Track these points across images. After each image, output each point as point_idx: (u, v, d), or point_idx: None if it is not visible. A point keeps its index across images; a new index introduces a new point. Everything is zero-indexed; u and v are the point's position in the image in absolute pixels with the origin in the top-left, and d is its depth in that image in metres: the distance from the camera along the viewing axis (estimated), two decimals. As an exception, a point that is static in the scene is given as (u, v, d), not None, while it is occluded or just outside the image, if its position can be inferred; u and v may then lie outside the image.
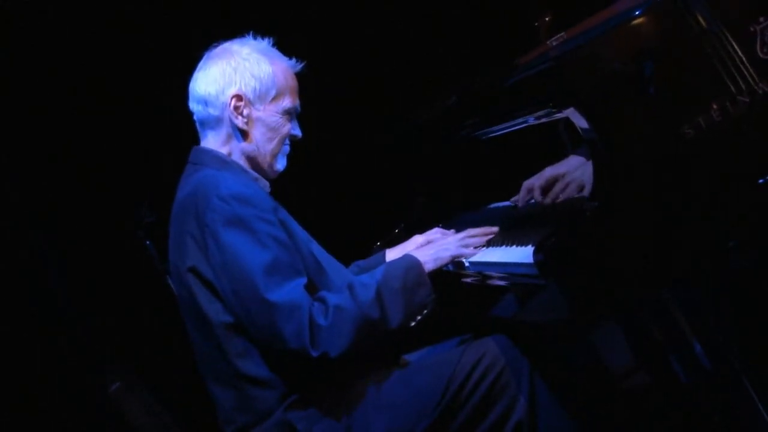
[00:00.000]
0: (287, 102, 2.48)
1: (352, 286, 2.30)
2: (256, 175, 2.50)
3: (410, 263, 2.42)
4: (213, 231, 2.27)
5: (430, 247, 2.57)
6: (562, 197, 2.59)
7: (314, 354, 2.20)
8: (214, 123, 2.47)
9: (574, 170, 2.74)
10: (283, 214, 2.43)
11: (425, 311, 2.37)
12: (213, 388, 2.42)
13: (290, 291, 2.22)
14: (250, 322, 2.27)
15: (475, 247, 2.61)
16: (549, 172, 2.81)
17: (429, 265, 2.45)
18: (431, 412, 2.34)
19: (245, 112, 2.44)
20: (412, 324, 2.35)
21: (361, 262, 2.88)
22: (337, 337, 2.20)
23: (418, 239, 2.83)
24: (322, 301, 2.25)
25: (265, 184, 2.54)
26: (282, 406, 2.32)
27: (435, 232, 2.84)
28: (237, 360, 2.32)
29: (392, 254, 2.85)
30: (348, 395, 2.36)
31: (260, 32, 2.54)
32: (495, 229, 2.63)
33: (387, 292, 2.30)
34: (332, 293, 2.30)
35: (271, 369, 2.32)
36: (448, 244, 2.59)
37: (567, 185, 2.63)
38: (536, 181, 2.84)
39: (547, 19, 2.68)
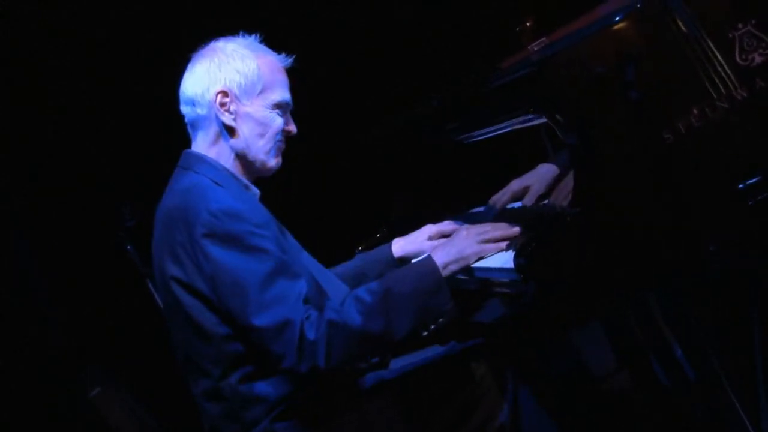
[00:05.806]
0: (276, 95, 2.42)
1: (355, 297, 2.24)
2: (246, 182, 2.45)
3: (425, 267, 2.29)
4: (204, 246, 2.22)
5: (451, 245, 2.36)
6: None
7: (303, 368, 2.17)
8: (203, 123, 2.42)
9: (541, 181, 2.78)
10: (277, 226, 2.39)
11: (441, 320, 2.25)
12: (199, 397, 2.38)
13: (280, 309, 2.18)
14: (243, 339, 2.25)
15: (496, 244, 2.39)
16: (515, 185, 2.85)
17: (452, 267, 2.32)
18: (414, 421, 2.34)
19: (232, 108, 2.38)
20: (425, 333, 2.26)
21: (364, 255, 2.82)
22: (326, 351, 2.16)
23: (431, 229, 2.75)
24: (320, 313, 2.20)
25: (256, 192, 2.47)
26: (269, 417, 2.30)
27: (448, 224, 2.74)
28: (227, 371, 2.29)
29: (400, 243, 2.78)
30: (334, 405, 2.34)
31: (248, 30, 2.51)
32: (516, 230, 2.41)
33: (394, 300, 2.21)
34: (332, 305, 2.24)
35: (263, 383, 2.29)
36: (468, 240, 2.38)
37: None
38: (502, 197, 2.88)
39: (528, 24, 2.68)
